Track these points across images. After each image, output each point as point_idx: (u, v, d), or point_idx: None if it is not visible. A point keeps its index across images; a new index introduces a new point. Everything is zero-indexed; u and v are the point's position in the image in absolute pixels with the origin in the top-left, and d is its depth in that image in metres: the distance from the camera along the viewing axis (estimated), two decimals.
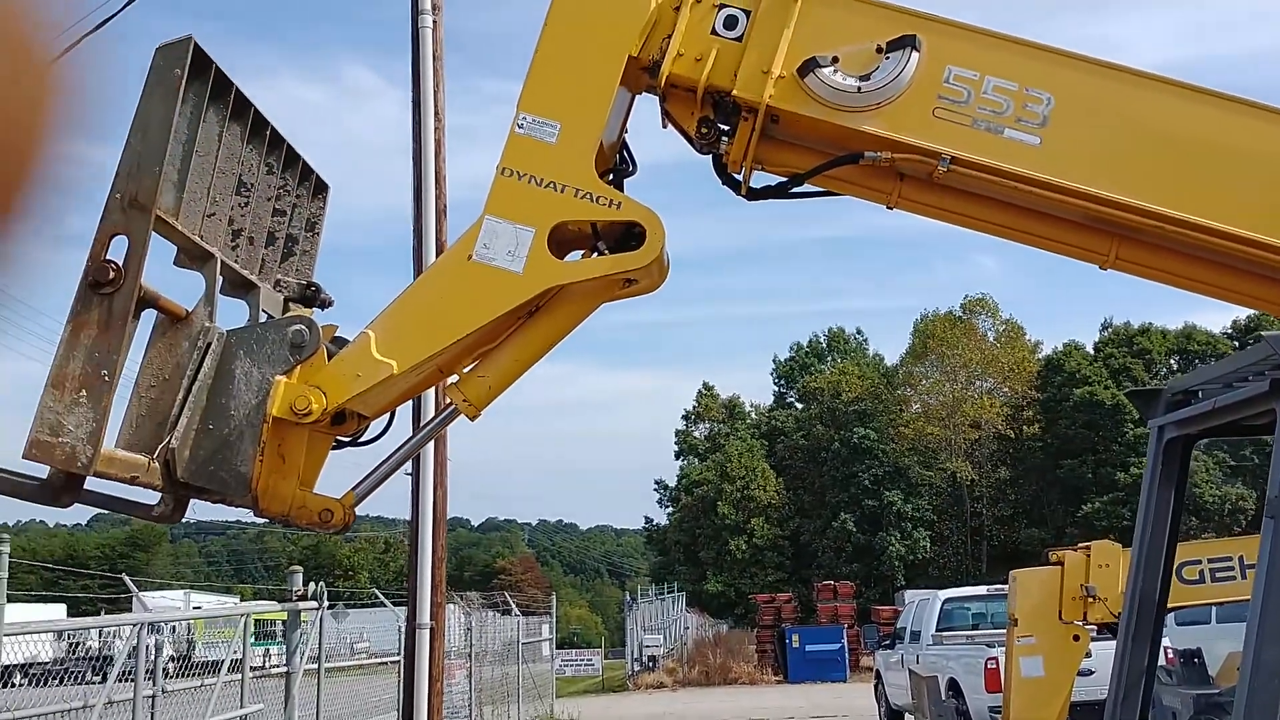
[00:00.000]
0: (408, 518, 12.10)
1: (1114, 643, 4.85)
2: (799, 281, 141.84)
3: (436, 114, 12.51)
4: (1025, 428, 62.50)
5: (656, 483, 75.52)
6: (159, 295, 3.74)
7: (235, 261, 4.11)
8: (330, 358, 3.91)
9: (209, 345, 3.83)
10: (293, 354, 3.83)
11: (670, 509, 72.42)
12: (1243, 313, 63.39)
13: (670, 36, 3.99)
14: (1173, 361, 63.93)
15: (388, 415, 4.24)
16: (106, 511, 3.91)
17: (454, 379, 4.08)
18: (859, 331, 76.85)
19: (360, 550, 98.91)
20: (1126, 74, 3.92)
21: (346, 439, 4.15)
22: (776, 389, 76.11)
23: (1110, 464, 58.17)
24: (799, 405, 72.22)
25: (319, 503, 3.99)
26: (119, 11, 9.96)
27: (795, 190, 4.20)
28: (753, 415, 73.87)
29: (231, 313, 4.10)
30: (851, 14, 3.97)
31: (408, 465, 15.12)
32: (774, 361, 76.75)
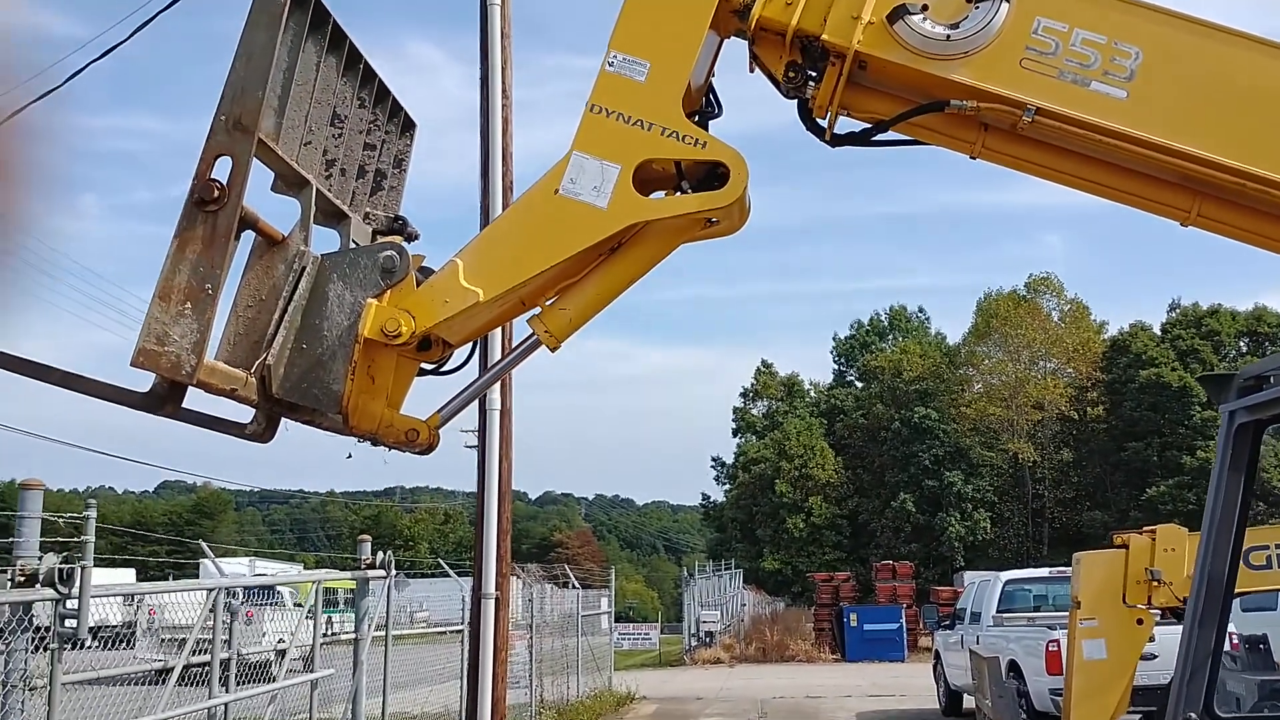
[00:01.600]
0: (467, 489, 12.35)
1: (1178, 628, 4.87)
2: (861, 258, 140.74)
3: (504, 92, 12.64)
4: (1089, 409, 61.68)
5: (714, 460, 75.72)
6: (258, 217, 3.92)
7: (329, 191, 4.29)
8: (419, 286, 4.05)
9: (304, 268, 4.00)
10: (383, 278, 3.98)
11: (727, 486, 72.55)
12: None
13: None
14: (1242, 344, 62.68)
15: (470, 345, 4.41)
16: (204, 429, 4.09)
17: (536, 311, 4.21)
18: (921, 310, 76.56)
19: (420, 521, 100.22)
20: (1215, 30, 3.93)
21: (431, 365, 4.31)
22: (836, 367, 75.93)
23: (1176, 447, 57.27)
24: (859, 384, 71.91)
25: (405, 423, 4.16)
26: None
27: (878, 138, 4.25)
28: (812, 393, 73.65)
29: (324, 242, 4.25)
30: None
31: (473, 439, 15.29)
32: (834, 339, 76.57)
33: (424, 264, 4.16)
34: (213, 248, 3.63)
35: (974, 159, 4.18)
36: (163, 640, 11.02)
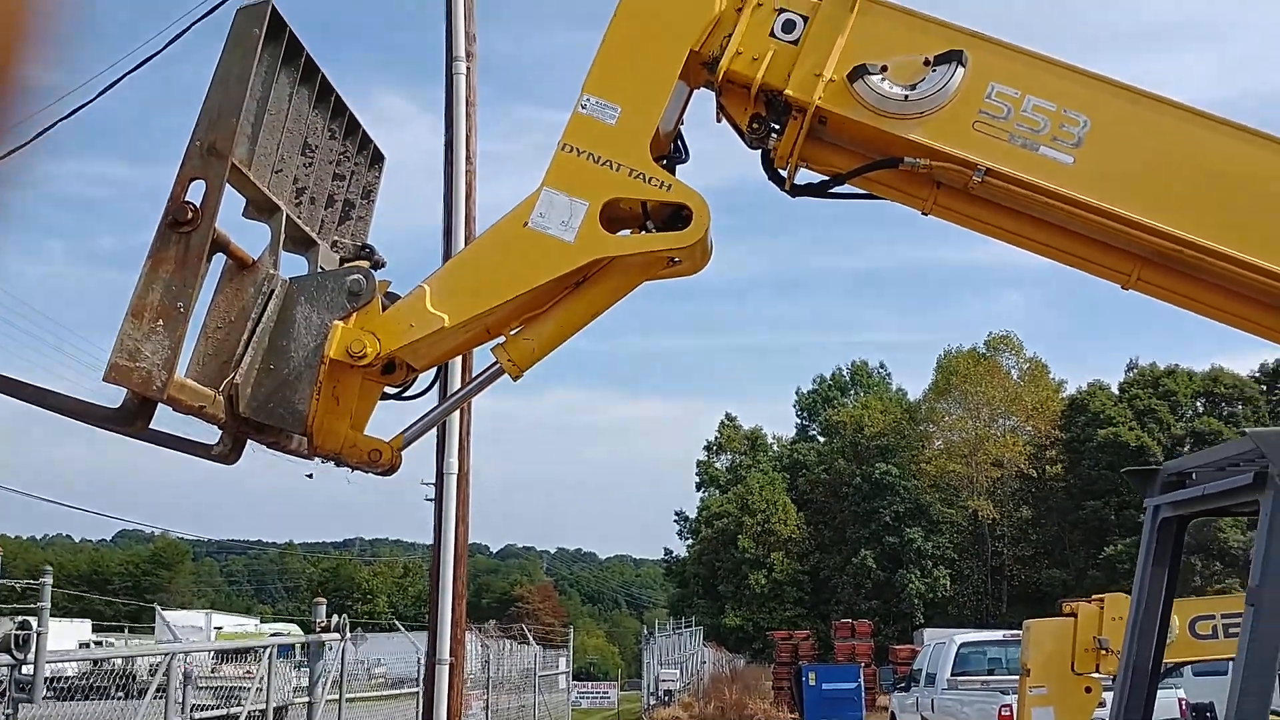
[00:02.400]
0: (427, 542, 12.32)
1: None
2: (825, 313, 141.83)
3: (468, 158, 12.79)
4: (1048, 467, 62.22)
5: (677, 514, 75.73)
6: (230, 240, 4.03)
7: (299, 218, 4.41)
8: (385, 310, 4.17)
9: (272, 291, 4.11)
10: (350, 301, 4.10)
11: (690, 540, 72.46)
12: (1271, 355, 63.05)
13: (731, 35, 4.24)
14: (1199, 404, 63.57)
15: (433, 371, 4.53)
16: (170, 450, 4.21)
17: (500, 340, 4.33)
18: (882, 365, 77.02)
19: (379, 574, 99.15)
20: (1160, 103, 4.12)
21: (394, 390, 4.41)
22: (799, 421, 76.23)
23: (1133, 506, 57.58)
24: (821, 438, 72.22)
25: (369, 443, 4.25)
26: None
27: (835, 190, 4.44)
28: (775, 447, 73.88)
29: (292, 268, 4.38)
30: (902, 27, 4.21)
31: (431, 492, 15.33)
32: (797, 393, 76.91)
33: (390, 290, 4.28)
34: (185, 268, 3.74)
35: (926, 215, 4.37)
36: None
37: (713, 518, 67.63)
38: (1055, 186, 4.03)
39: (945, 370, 65.82)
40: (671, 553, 78.15)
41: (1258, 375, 63.56)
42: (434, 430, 12.56)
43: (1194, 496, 4.37)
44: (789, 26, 4.23)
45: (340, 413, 4.14)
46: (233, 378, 3.98)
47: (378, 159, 4.98)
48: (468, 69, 12.79)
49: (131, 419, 3.82)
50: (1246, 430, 3.85)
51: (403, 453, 4.33)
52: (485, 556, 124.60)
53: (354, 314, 4.09)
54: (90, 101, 9.76)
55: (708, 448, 74.23)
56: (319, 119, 4.50)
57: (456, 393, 4.88)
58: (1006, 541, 62.60)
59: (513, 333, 4.33)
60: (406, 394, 4.52)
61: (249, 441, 4.25)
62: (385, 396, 4.39)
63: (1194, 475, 4.51)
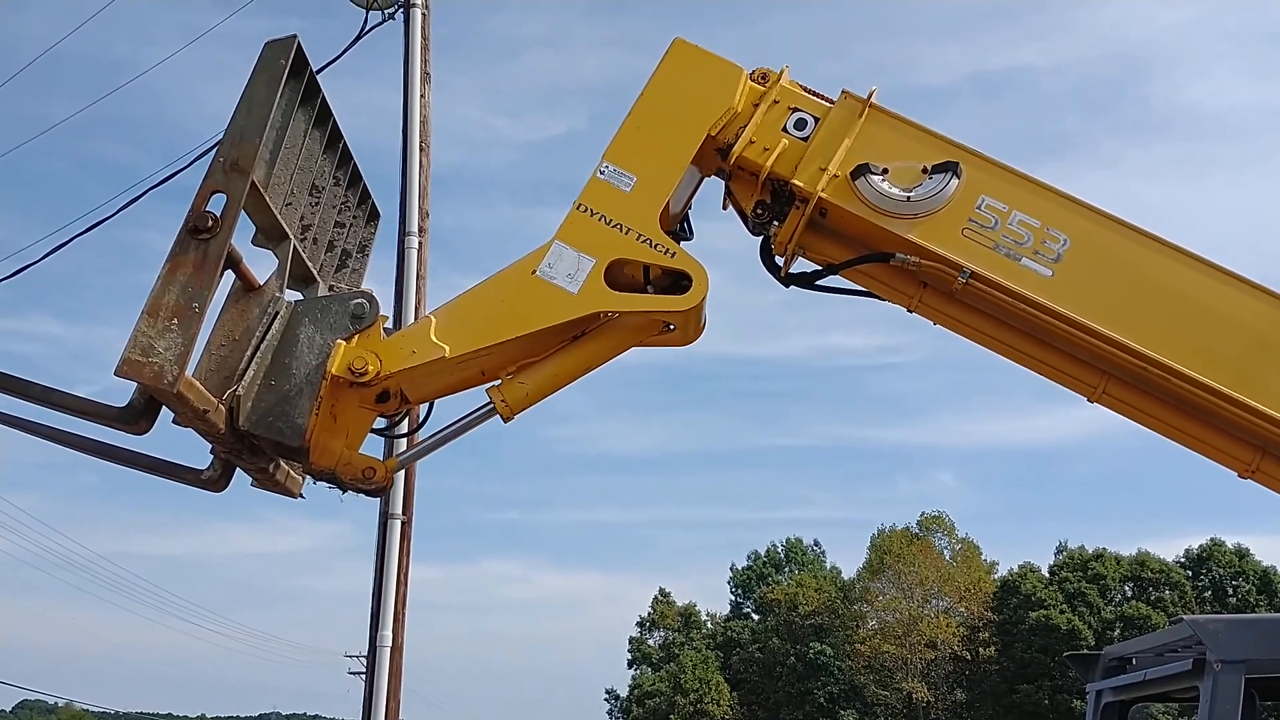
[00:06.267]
0: (346, 718, 11.88)
1: None
2: (759, 488, 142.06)
3: (419, 275, 12.90)
4: (981, 649, 61.86)
5: (608, 692, 73.69)
6: (242, 258, 4.23)
7: (304, 253, 4.59)
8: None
9: (277, 313, 4.29)
10: (353, 323, 4.31)
11: None
12: (1195, 542, 64.20)
13: (746, 126, 4.61)
14: (1127, 588, 63.98)
15: (423, 410, 4.71)
16: (159, 476, 4.31)
17: (495, 383, 4.51)
18: (816, 543, 76.85)
19: None
20: (1135, 232, 4.48)
21: (386, 419, 4.61)
22: (733, 598, 75.35)
23: (1066, 690, 57.44)
24: (755, 616, 71.32)
25: (363, 461, 4.40)
26: None
27: (825, 284, 4.75)
28: (709, 625, 72.78)
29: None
30: (905, 137, 4.60)
31: (356, 665, 14.82)
32: (731, 570, 76.26)
33: (387, 324, 4.45)
34: (203, 271, 3.90)
35: (911, 312, 4.68)
36: None
37: (644, 696, 65.97)
38: (1033, 295, 4.34)
39: (879, 549, 65.82)
40: None
41: (1182, 560, 64.37)
42: (369, 597, 12.36)
43: (1135, 682, 4.46)
44: (801, 125, 4.62)
45: (337, 431, 4.32)
46: (235, 389, 4.12)
47: (374, 216, 5.27)
48: (420, 243, 13.08)
49: (137, 418, 3.95)
50: (1185, 618, 3.98)
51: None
52: None
53: (356, 336, 4.30)
54: (36, 263, 9.82)
55: (640, 624, 73.02)
56: (327, 164, 4.76)
57: (451, 425, 5.00)
58: None
59: (508, 376, 4.51)
60: (395, 432, 4.80)
61: (234, 471, 4.38)
62: (375, 431, 4.57)
63: (1134, 660, 4.61)
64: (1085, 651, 5.15)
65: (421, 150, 12.98)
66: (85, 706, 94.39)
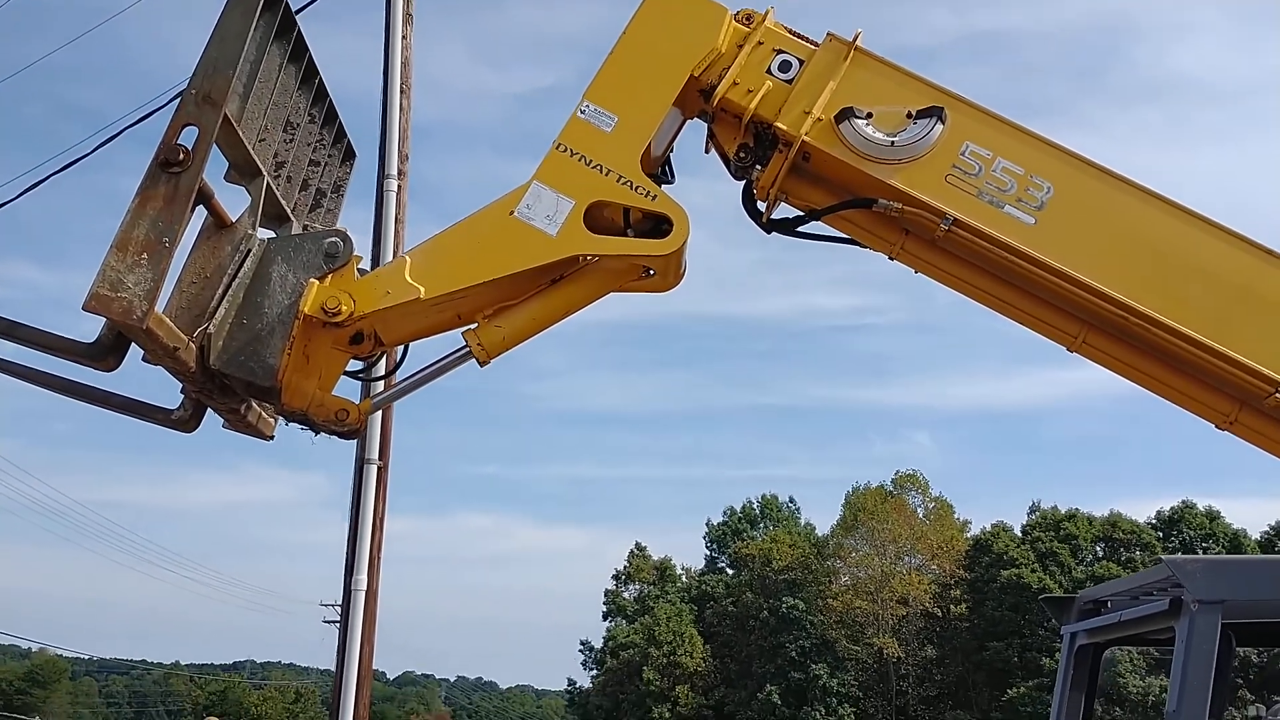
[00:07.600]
0: (321, 666, 11.96)
1: None
2: (737, 447, 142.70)
3: None
4: (953, 607, 62.46)
5: (582, 643, 74.13)
6: (214, 193, 4.12)
7: (277, 190, 4.48)
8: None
9: (250, 251, 4.18)
10: (326, 262, 4.21)
11: (594, 671, 70.90)
12: (1166, 504, 64.86)
13: (729, 67, 4.52)
14: (1098, 549, 64.66)
15: (398, 353, 4.63)
16: (129, 416, 4.22)
17: (472, 326, 4.41)
18: (791, 500, 77.25)
19: (269, 699, 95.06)
20: (1120, 181, 4.43)
21: (361, 361, 4.52)
22: (708, 553, 75.76)
23: (1036, 648, 58.18)
24: (730, 570, 71.77)
25: (336, 402, 4.33)
26: None
27: (806, 230, 4.66)
28: (684, 579, 73.20)
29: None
30: (891, 81, 4.52)
31: (330, 614, 14.86)
32: (707, 525, 76.62)
33: (362, 265, 4.35)
34: (174, 205, 3.81)
35: (893, 259, 4.61)
36: None
37: (619, 648, 66.39)
38: (1015, 243, 4.30)
39: (853, 506, 66.22)
40: (575, 684, 76.30)
41: (1154, 522, 65.03)
42: (344, 546, 12.34)
43: (1110, 623, 4.47)
44: (785, 67, 4.53)
45: (310, 371, 4.23)
46: (205, 327, 4.03)
47: (350, 155, 5.17)
48: (399, 186, 12.92)
49: (105, 354, 3.88)
50: (1163, 557, 3.98)
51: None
52: (382, 683, 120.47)
53: (330, 275, 4.20)
54: (10, 201, 9.65)
55: (616, 577, 73.34)
56: (302, 100, 4.65)
57: (424, 368, 4.93)
58: (911, 680, 62.32)
59: (485, 319, 4.42)
60: (369, 374, 4.67)
61: (205, 412, 4.30)
62: (349, 374, 4.48)
63: (1109, 603, 4.61)
64: (1060, 594, 5.16)
65: (402, 93, 12.80)
66: (59, 652, 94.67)
